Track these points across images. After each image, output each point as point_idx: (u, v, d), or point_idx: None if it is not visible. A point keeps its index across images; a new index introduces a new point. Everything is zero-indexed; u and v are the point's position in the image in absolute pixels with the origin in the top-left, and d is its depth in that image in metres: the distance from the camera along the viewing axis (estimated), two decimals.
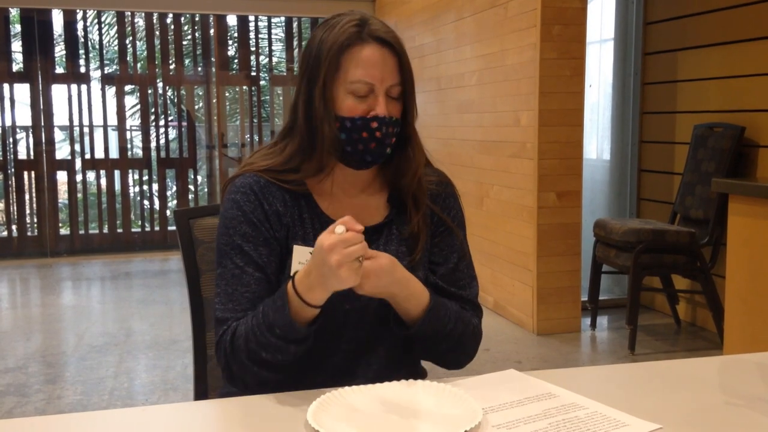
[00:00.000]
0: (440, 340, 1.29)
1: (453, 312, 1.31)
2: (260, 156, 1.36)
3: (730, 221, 2.94)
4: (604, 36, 5.06)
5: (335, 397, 1.11)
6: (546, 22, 3.96)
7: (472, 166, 4.85)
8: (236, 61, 7.52)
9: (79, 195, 6.81)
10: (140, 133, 7.11)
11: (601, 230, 4.02)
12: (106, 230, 6.87)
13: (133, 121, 7.96)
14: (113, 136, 7.02)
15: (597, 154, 5.16)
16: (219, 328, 1.26)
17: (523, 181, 4.20)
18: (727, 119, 3.96)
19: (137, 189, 7.09)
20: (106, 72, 7.67)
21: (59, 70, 6.88)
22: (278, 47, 8.59)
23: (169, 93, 7.53)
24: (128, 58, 6.96)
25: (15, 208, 6.66)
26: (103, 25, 8.18)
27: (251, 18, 7.44)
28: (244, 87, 7.29)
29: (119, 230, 6.89)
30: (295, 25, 7.33)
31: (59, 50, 6.93)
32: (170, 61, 7.01)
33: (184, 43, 7.03)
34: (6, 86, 6.46)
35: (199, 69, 7.15)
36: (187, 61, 7.12)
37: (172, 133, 7.44)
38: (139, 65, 7.61)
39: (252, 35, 7.60)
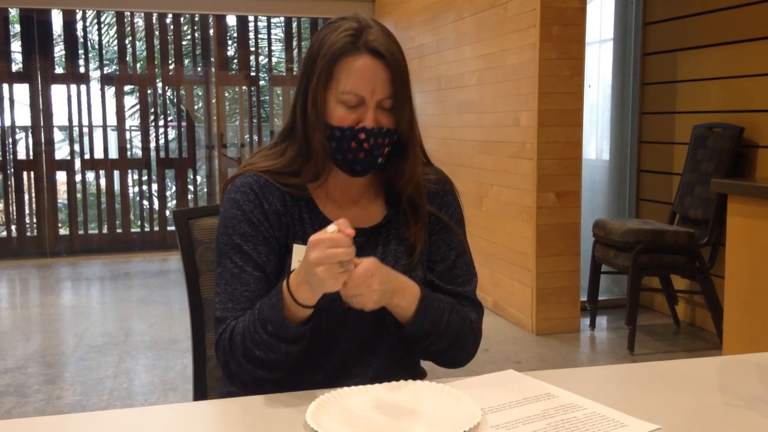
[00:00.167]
0: (438, 335, 1.29)
1: (447, 303, 1.30)
2: (260, 157, 1.36)
3: (729, 221, 2.95)
4: (603, 36, 5.06)
5: (334, 398, 1.11)
6: (545, 23, 3.97)
7: (472, 166, 4.85)
8: (236, 61, 7.53)
9: (79, 195, 6.80)
10: (140, 133, 7.11)
11: (600, 230, 4.02)
12: (105, 230, 6.87)
13: (132, 121, 7.96)
14: (113, 137, 7.02)
15: (596, 155, 5.16)
16: (218, 327, 1.27)
17: (522, 181, 4.20)
18: (727, 119, 3.96)
19: (137, 189, 7.09)
20: (105, 72, 7.67)
21: (59, 70, 6.87)
22: (278, 47, 8.59)
23: (169, 93, 7.52)
24: (128, 58, 6.95)
25: (14, 208, 6.66)
26: (102, 25, 8.18)
27: (251, 18, 7.44)
28: (244, 87, 7.29)
29: (119, 230, 6.89)
30: (294, 25, 7.32)
31: (59, 50, 6.93)
32: (170, 62, 7.01)
33: (184, 43, 7.02)
34: (5, 86, 6.46)
35: (199, 69, 7.15)
36: (186, 62, 7.12)
37: (172, 134, 7.44)
38: (138, 65, 7.60)
39: (251, 35, 7.60)
